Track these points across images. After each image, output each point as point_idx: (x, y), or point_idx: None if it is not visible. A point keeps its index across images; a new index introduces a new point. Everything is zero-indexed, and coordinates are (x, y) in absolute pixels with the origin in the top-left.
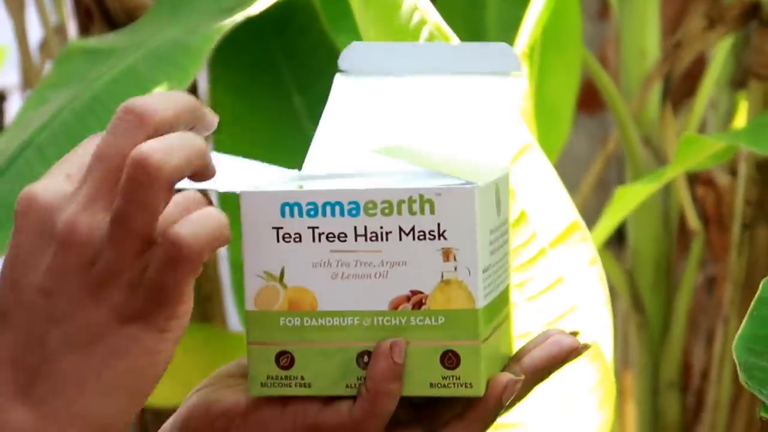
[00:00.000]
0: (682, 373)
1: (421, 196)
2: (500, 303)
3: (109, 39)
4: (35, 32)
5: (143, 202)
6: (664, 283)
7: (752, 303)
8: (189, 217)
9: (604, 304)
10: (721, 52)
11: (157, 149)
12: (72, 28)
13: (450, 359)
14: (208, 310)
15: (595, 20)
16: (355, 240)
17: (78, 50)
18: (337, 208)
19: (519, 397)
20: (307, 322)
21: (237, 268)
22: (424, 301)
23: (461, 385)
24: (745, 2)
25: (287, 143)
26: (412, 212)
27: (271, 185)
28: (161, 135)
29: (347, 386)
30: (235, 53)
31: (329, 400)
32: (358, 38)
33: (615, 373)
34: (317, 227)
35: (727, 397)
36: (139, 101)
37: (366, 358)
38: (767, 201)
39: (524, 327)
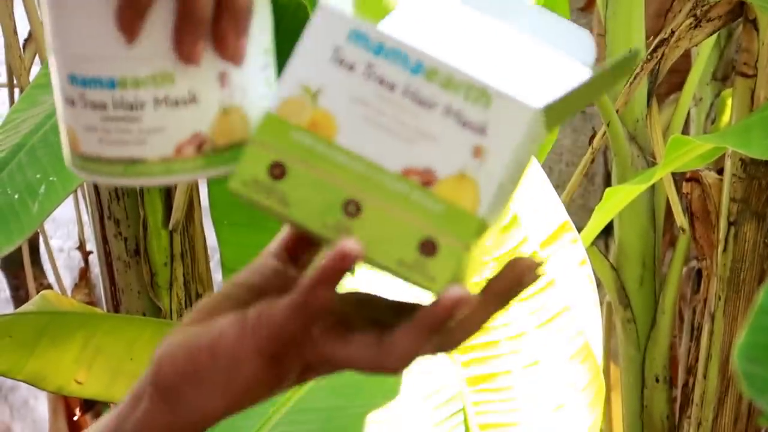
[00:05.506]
0: (668, 368)
1: (483, 89)
2: (485, 233)
3: None
4: (21, 28)
5: None
6: (650, 279)
7: (753, 313)
8: None
9: (594, 305)
10: (705, 47)
11: None
12: None
13: (428, 248)
14: None
15: (578, 14)
16: (403, 95)
17: None
18: (402, 58)
19: (481, 321)
20: (317, 147)
21: (229, 270)
22: (433, 182)
23: (426, 276)
24: (730, 1)
25: None
26: (467, 97)
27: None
28: None
29: (322, 224)
30: None
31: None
32: None
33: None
34: (374, 66)
35: (714, 393)
36: None
37: (351, 207)
38: (753, 198)
39: (518, 328)
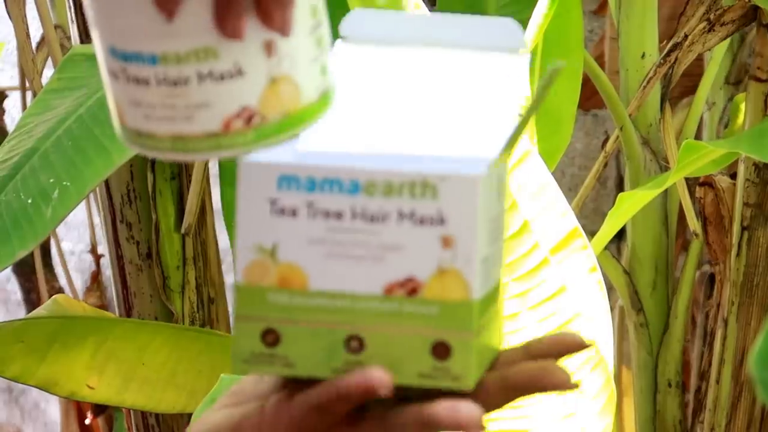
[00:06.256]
0: (681, 373)
1: (424, 180)
2: (493, 295)
3: None
4: (33, 30)
5: None
6: (662, 283)
7: None
8: None
9: (605, 312)
10: (718, 51)
11: None
12: (74, 31)
13: (441, 350)
14: (212, 313)
15: (591, 16)
16: (352, 219)
17: (81, 56)
18: (337, 185)
19: (500, 404)
20: (296, 300)
21: None
22: (418, 288)
23: (451, 378)
24: (744, 5)
25: None
26: (413, 195)
27: (271, 155)
28: None
29: (332, 370)
30: None
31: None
32: None
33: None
34: (314, 203)
35: (727, 398)
36: None
37: (353, 343)
38: (766, 203)
39: (527, 336)
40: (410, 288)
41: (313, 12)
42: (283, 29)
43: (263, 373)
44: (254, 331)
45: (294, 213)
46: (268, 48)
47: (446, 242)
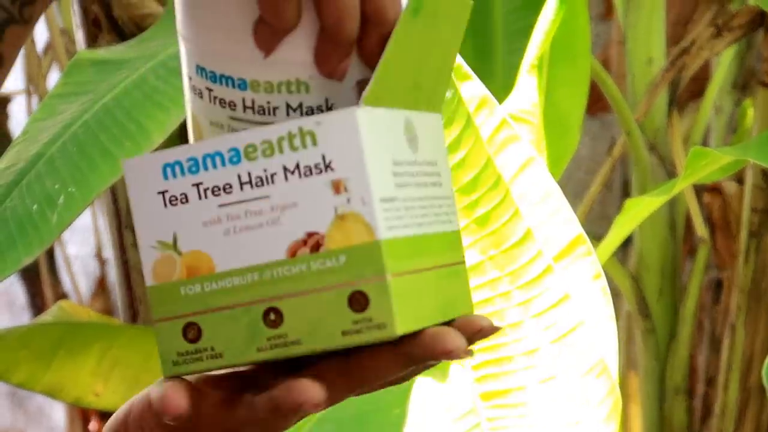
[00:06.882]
0: (688, 379)
1: (300, 129)
2: (430, 245)
3: (119, 50)
4: (39, 34)
5: None
6: (669, 289)
7: None
8: None
9: (609, 320)
10: (725, 56)
11: None
12: (80, 36)
13: (358, 301)
14: None
15: (597, 21)
16: (241, 189)
17: (87, 61)
18: (218, 158)
19: (395, 372)
20: (207, 287)
21: None
22: (321, 242)
23: (375, 328)
24: (752, 10)
25: None
26: (293, 148)
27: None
28: None
29: (258, 350)
30: None
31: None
32: None
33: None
34: (201, 183)
35: (735, 404)
36: None
37: (272, 315)
38: None
39: (532, 344)
40: (313, 243)
41: None
42: None
43: (195, 372)
44: (175, 330)
45: (185, 199)
46: (362, 86)
47: (337, 187)
